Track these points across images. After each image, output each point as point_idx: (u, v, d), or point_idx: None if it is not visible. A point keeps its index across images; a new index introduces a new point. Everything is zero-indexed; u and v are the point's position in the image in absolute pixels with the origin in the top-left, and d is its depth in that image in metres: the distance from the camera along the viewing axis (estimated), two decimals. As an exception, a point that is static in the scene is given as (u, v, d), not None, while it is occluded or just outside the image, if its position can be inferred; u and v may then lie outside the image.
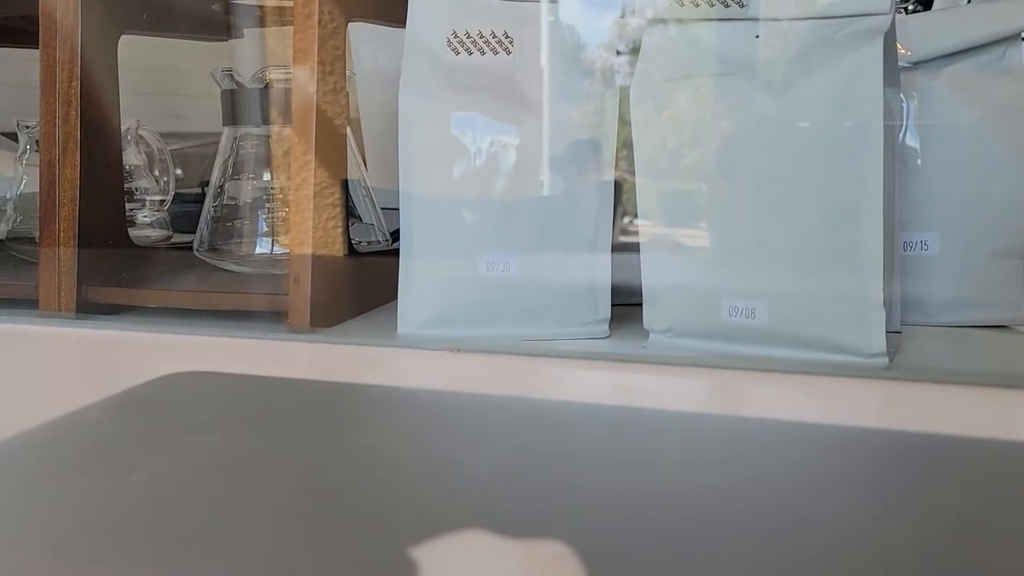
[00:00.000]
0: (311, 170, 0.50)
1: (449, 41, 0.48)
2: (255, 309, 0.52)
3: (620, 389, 0.43)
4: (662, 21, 0.44)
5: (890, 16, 0.40)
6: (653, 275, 0.45)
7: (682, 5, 0.43)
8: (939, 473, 0.26)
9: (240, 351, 0.48)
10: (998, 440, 0.31)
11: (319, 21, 0.49)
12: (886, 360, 0.41)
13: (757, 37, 0.42)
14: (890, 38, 0.41)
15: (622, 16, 0.49)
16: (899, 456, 0.29)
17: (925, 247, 0.50)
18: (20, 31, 0.63)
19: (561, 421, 0.32)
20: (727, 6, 0.42)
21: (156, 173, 0.76)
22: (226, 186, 0.61)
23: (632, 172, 0.46)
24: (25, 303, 0.55)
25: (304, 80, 0.49)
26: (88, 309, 0.54)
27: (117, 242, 0.58)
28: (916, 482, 0.25)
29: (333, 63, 0.50)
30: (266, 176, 0.61)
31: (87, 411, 0.29)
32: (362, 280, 0.55)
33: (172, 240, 0.76)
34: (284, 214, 0.61)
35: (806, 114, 0.40)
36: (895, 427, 0.34)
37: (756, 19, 0.42)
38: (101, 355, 0.48)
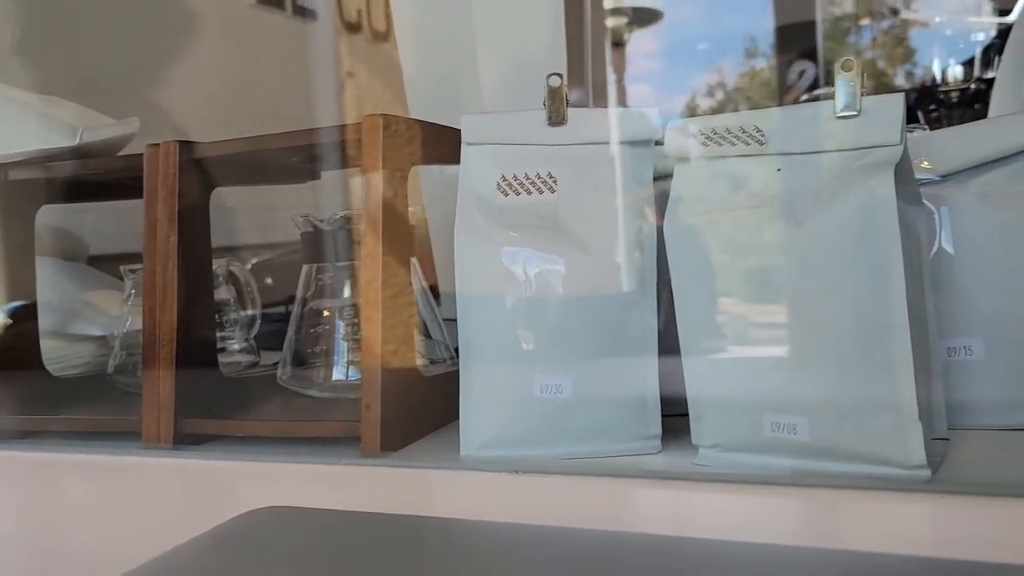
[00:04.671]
0: (378, 267, 0.54)
1: (498, 184, 0.53)
2: (332, 435, 0.56)
3: (674, 510, 0.45)
4: (691, 158, 0.48)
5: (901, 147, 0.42)
6: (697, 392, 0.48)
7: (706, 145, 0.47)
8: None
9: (317, 478, 0.52)
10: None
11: (384, 134, 0.55)
12: (928, 472, 0.42)
13: (779, 171, 0.46)
14: (904, 164, 0.44)
15: (656, 146, 0.53)
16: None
17: (970, 352, 0.51)
18: (131, 187, 0.71)
19: (614, 556, 0.34)
20: (747, 144, 0.46)
21: (244, 304, 0.83)
22: (305, 318, 0.67)
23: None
24: (129, 435, 0.61)
25: (373, 180, 0.54)
26: (184, 440, 0.59)
27: (210, 376, 0.64)
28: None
29: (401, 166, 0.56)
30: (343, 307, 0.66)
31: (182, 551, 0.33)
32: (430, 399, 0.59)
33: (260, 363, 0.82)
34: (359, 338, 0.66)
35: (828, 241, 0.43)
36: (940, 554, 0.35)
37: (776, 154, 0.46)
38: (195, 485, 0.53)
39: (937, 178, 0.53)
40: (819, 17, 2.82)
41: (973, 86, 2.10)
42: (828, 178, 0.44)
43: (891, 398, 0.42)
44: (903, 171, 0.45)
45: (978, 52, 2.04)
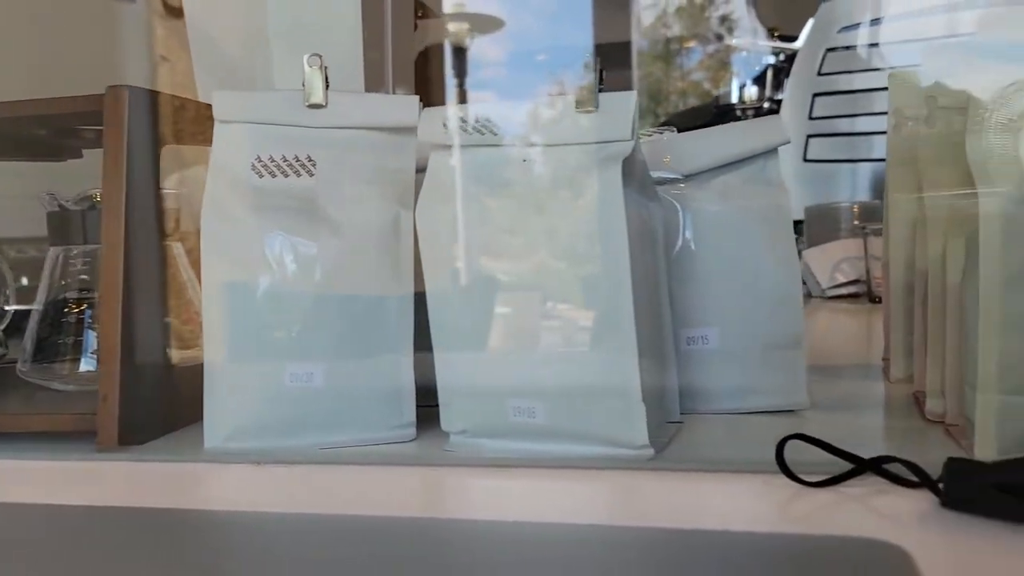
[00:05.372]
0: (117, 251, 0.51)
1: (253, 166, 0.51)
2: (64, 430, 0.52)
3: (423, 495, 0.45)
4: (444, 146, 0.48)
5: (632, 142, 0.45)
6: (446, 380, 0.48)
7: (458, 134, 0.47)
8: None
9: (43, 475, 0.48)
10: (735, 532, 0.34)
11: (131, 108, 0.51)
12: (651, 451, 0.44)
13: (524, 162, 0.47)
14: (636, 160, 0.46)
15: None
16: (649, 554, 0.31)
17: (706, 341, 0.55)
18: None
19: (350, 539, 0.33)
20: (495, 134, 0.47)
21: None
22: (51, 307, 0.61)
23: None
24: None
25: (114, 157, 0.51)
26: None
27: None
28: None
29: (152, 143, 0.53)
30: (90, 295, 0.61)
31: None
32: (185, 391, 0.55)
33: (6, 355, 0.75)
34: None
35: (564, 230, 0.45)
36: (660, 525, 0.37)
37: (522, 145, 0.47)
38: None
39: (682, 177, 0.56)
40: (634, 38, 2.98)
41: (766, 105, 2.28)
42: (566, 170, 0.45)
43: (618, 383, 0.44)
44: (637, 167, 0.47)
45: (769, 74, 2.21)
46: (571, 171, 0.45)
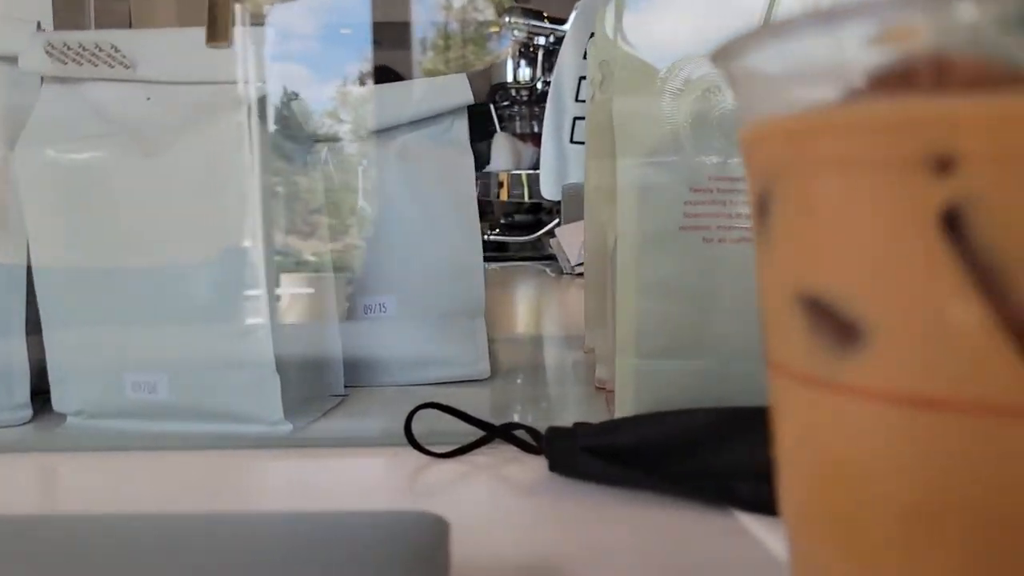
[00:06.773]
0: None
1: None
2: None
3: (31, 484, 0.38)
4: (57, 79, 0.41)
5: (264, 84, 0.40)
6: (58, 354, 0.41)
7: (64, 63, 0.41)
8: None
9: None
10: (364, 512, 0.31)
11: None
12: (288, 427, 0.40)
13: (149, 100, 0.41)
14: (281, 107, 0.42)
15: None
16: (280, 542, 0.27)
17: (384, 310, 0.52)
18: None
19: None
20: (112, 66, 0.41)
21: None
22: None
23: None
24: None
25: None
26: None
27: None
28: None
29: None
30: None
31: None
32: None
33: None
34: None
35: (185, 178, 0.39)
36: (295, 507, 0.32)
37: (146, 81, 0.41)
38: None
39: (363, 135, 0.52)
40: (413, 19, 2.95)
41: (539, 85, 2.31)
42: (192, 110, 0.40)
43: (249, 354, 0.39)
44: (285, 116, 0.43)
45: (540, 55, 2.24)
46: (198, 113, 0.40)
